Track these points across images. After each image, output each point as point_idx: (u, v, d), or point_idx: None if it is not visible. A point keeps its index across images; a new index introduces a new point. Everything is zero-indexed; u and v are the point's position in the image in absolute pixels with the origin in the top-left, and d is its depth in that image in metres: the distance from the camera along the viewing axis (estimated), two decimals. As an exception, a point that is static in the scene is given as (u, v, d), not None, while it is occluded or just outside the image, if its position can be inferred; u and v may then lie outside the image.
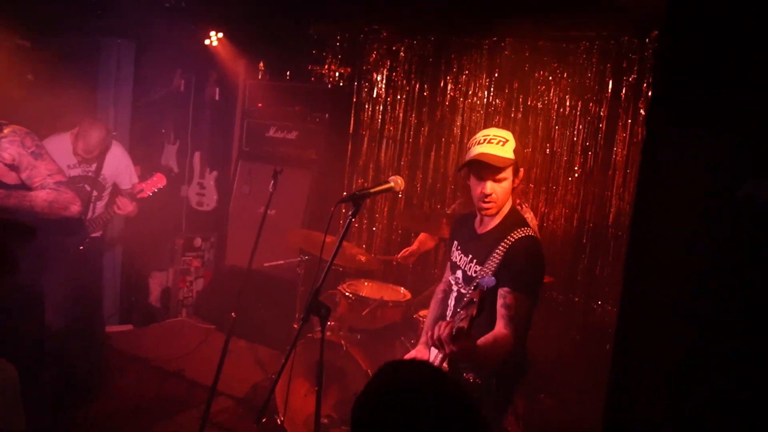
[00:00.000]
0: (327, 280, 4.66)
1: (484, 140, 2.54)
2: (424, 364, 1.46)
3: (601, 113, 4.89)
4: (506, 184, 2.53)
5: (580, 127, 5.02)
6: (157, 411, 4.29)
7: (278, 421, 3.89)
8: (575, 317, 5.09)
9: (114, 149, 4.58)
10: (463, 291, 2.61)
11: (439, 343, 2.13)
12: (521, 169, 2.56)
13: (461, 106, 5.45)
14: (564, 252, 5.13)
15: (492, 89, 5.33)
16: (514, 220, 2.58)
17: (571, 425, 4.49)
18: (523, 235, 2.48)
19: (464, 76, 5.44)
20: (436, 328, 2.16)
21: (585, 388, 4.49)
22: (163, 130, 6.40)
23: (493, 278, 2.04)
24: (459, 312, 2.11)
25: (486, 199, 2.53)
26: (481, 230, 2.66)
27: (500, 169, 2.50)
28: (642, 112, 4.71)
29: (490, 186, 2.52)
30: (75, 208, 3.25)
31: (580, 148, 5.03)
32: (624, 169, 4.80)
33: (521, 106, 5.21)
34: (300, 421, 3.89)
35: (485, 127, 5.27)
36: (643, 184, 1.53)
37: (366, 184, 5.88)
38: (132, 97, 5.88)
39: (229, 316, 3.83)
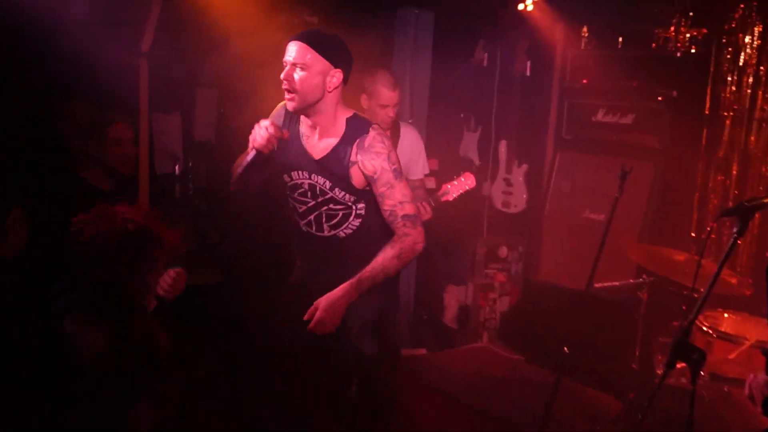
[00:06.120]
0: (670, 306, 4.62)
1: None
2: None
3: None
4: None
5: None
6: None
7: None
8: None
9: (408, 132, 4.87)
10: None
11: None
12: None
13: None
14: None
15: None
16: None
17: None
18: None
19: None
20: None
21: None
22: (462, 115, 6.63)
23: None
24: None
25: None
26: None
27: None
28: None
29: None
30: (419, 247, 3.35)
31: None
32: None
33: None
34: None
35: None
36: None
37: (728, 182, 5.59)
38: (430, 77, 6.15)
39: (543, 347, 4.12)
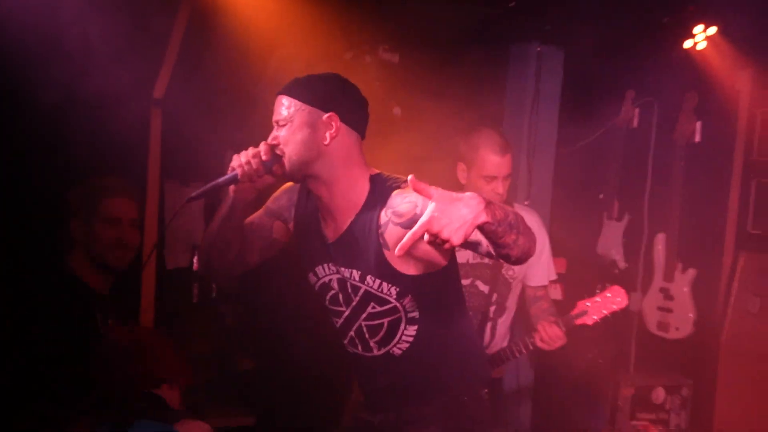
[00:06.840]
0: None
1: None
2: None
3: None
4: None
5: None
6: None
7: None
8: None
9: (526, 217, 4.33)
10: None
11: None
12: None
13: None
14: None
15: None
16: None
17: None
18: None
19: None
20: None
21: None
22: (602, 196, 6.30)
23: None
24: None
25: None
26: None
27: None
28: None
29: None
30: (535, 243, 2.88)
31: None
32: None
33: None
34: None
35: None
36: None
37: None
38: (555, 142, 5.99)
39: None
